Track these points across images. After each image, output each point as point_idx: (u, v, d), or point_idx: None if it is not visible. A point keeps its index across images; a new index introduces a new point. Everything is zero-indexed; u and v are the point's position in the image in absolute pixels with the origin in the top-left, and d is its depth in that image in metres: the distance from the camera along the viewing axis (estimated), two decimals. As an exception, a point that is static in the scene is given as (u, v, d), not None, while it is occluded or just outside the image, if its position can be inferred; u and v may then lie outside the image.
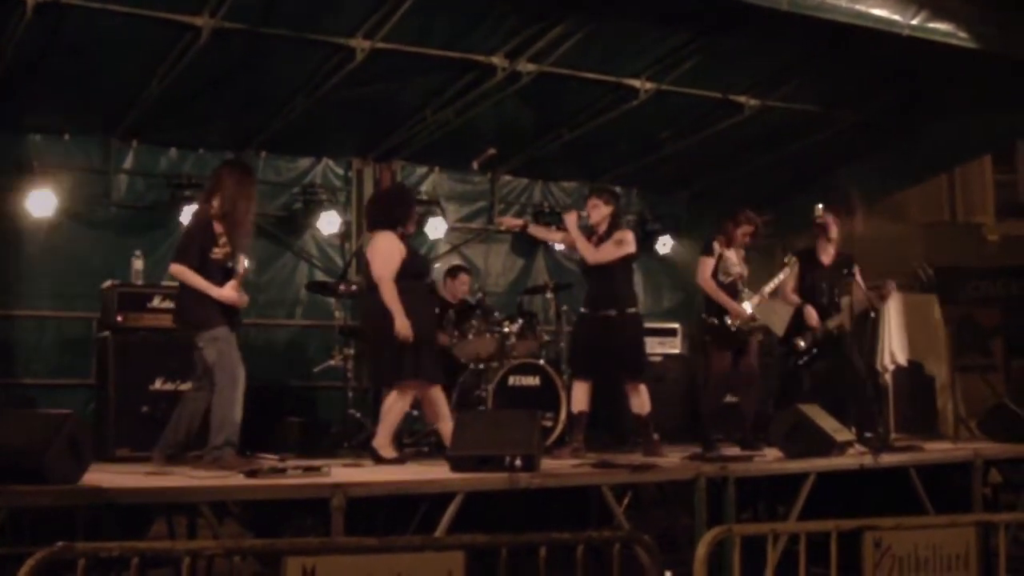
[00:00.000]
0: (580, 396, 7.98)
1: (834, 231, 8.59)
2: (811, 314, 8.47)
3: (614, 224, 8.00)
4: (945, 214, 18.00)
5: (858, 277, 8.43)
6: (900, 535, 4.54)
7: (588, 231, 8.07)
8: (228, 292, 6.51)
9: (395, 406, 7.13)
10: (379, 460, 7.02)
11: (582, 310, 8.11)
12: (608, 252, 7.88)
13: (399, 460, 7.07)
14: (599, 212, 7.98)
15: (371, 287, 7.21)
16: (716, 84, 9.39)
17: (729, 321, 8.22)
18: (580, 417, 7.98)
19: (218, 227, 6.55)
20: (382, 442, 7.09)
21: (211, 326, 6.46)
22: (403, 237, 7.25)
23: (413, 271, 7.24)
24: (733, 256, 8.39)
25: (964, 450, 8.29)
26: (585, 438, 7.93)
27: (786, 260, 8.60)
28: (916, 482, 7.41)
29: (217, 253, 6.50)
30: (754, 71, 9.31)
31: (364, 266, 7.59)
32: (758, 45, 8.65)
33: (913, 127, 10.43)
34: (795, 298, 8.62)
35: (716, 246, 8.35)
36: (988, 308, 16.89)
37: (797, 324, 8.61)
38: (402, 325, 6.94)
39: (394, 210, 7.37)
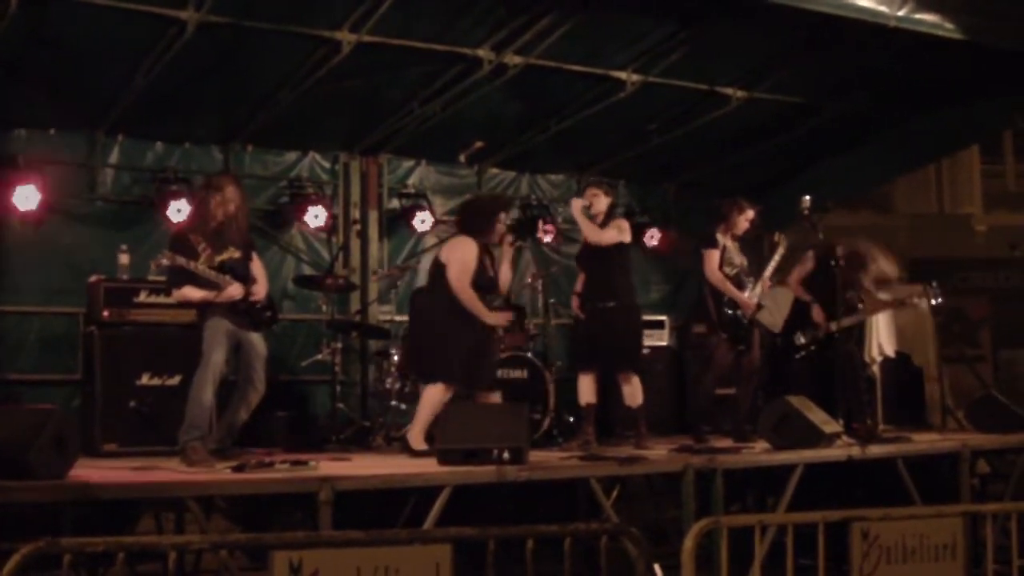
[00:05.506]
0: (586, 388, 8.00)
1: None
2: (819, 312, 8.38)
3: (611, 215, 8.09)
4: (932, 205, 18.06)
5: (865, 281, 8.41)
6: (887, 526, 4.54)
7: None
8: (214, 294, 6.72)
9: (436, 401, 7.15)
10: (412, 453, 7.08)
11: (581, 302, 8.13)
12: (610, 235, 7.92)
13: (430, 453, 7.03)
14: (600, 202, 8.04)
15: (434, 284, 7.34)
16: (702, 76, 9.38)
17: (740, 313, 8.20)
18: (589, 409, 7.99)
19: (195, 238, 6.72)
20: (416, 434, 7.14)
21: (206, 319, 6.81)
22: (483, 248, 7.37)
23: (480, 283, 7.30)
24: (733, 247, 8.37)
25: (952, 441, 8.30)
26: (595, 430, 7.94)
27: (776, 239, 8.53)
28: (904, 473, 7.42)
29: (202, 263, 6.64)
30: (740, 63, 9.31)
31: (432, 262, 7.68)
32: (744, 37, 8.64)
33: (899, 118, 10.44)
34: (801, 291, 8.52)
35: (719, 237, 8.32)
36: (976, 299, 16.99)
37: (800, 318, 8.53)
38: (495, 318, 7.34)
39: (476, 219, 7.47)
